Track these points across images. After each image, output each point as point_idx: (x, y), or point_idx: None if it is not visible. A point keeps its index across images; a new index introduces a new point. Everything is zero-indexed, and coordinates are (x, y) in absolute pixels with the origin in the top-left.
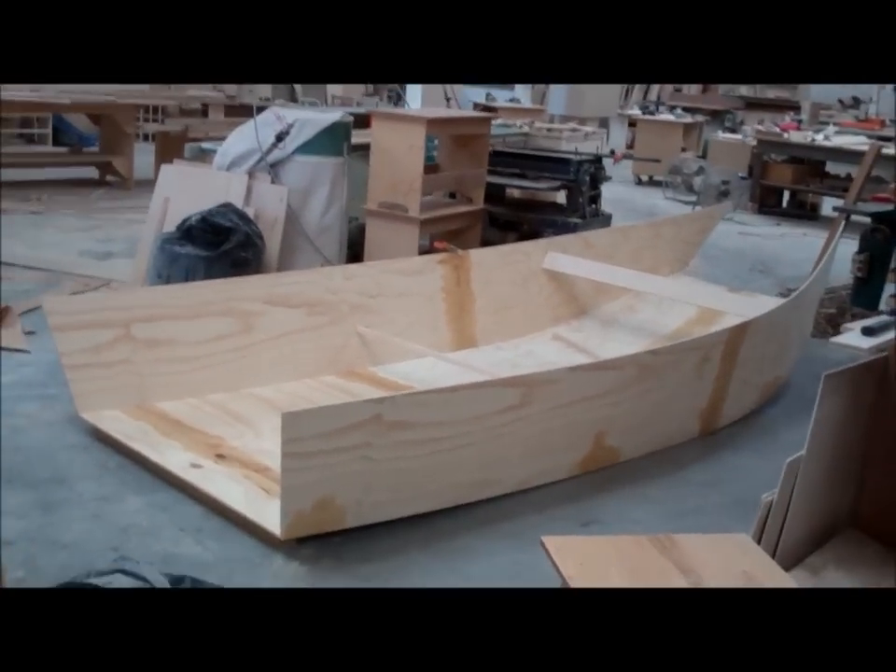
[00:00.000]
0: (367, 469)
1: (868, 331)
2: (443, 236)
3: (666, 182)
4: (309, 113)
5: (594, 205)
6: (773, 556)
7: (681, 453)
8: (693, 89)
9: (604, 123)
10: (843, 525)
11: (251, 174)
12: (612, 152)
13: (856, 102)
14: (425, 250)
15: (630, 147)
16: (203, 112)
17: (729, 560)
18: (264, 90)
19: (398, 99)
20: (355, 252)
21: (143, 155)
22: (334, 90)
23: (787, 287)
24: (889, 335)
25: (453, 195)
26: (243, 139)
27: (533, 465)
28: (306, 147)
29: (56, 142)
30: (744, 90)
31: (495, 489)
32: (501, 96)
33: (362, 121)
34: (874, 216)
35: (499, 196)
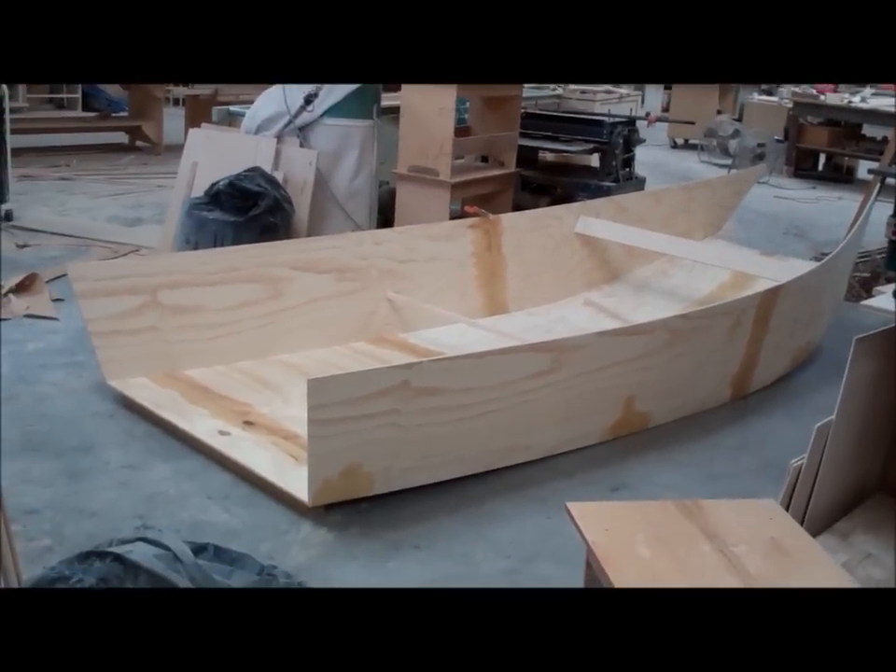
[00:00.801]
0: (395, 436)
1: None
2: (474, 200)
3: (701, 145)
4: None
5: (627, 169)
6: (802, 521)
7: (712, 418)
8: None
9: (639, 85)
10: (872, 489)
11: (280, 137)
12: (647, 115)
13: None
14: (456, 215)
15: (665, 109)
16: None
17: (756, 526)
18: None
19: None
20: (385, 217)
21: (173, 120)
22: None
23: (821, 251)
24: None
25: (484, 159)
26: (271, 102)
27: (563, 430)
28: (335, 110)
29: (85, 107)
30: None
31: (524, 455)
32: None
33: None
34: None
35: (532, 159)
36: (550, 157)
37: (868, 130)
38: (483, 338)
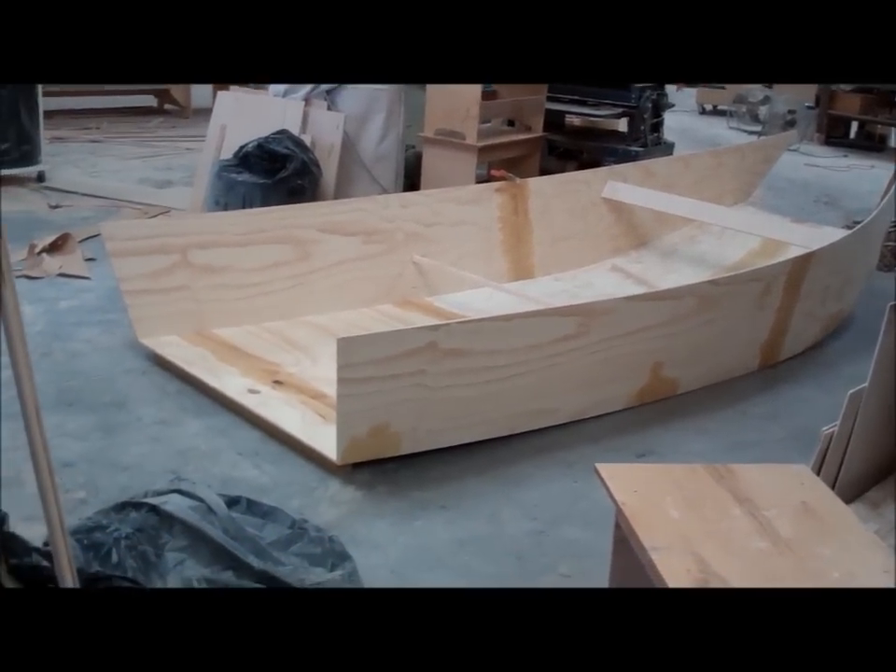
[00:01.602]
0: (422, 397)
1: None
2: (501, 164)
3: (731, 111)
4: None
5: (656, 133)
6: (832, 489)
7: (740, 385)
8: None
9: None
10: None
11: (307, 100)
12: None
13: None
14: (482, 178)
15: None
16: None
17: (787, 490)
18: None
19: None
20: (411, 180)
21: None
22: None
23: (853, 220)
24: None
25: (511, 122)
26: None
27: (589, 395)
28: None
29: None
30: None
31: (550, 419)
32: None
33: None
34: None
35: (559, 123)
36: (577, 121)
37: None
38: (508, 302)
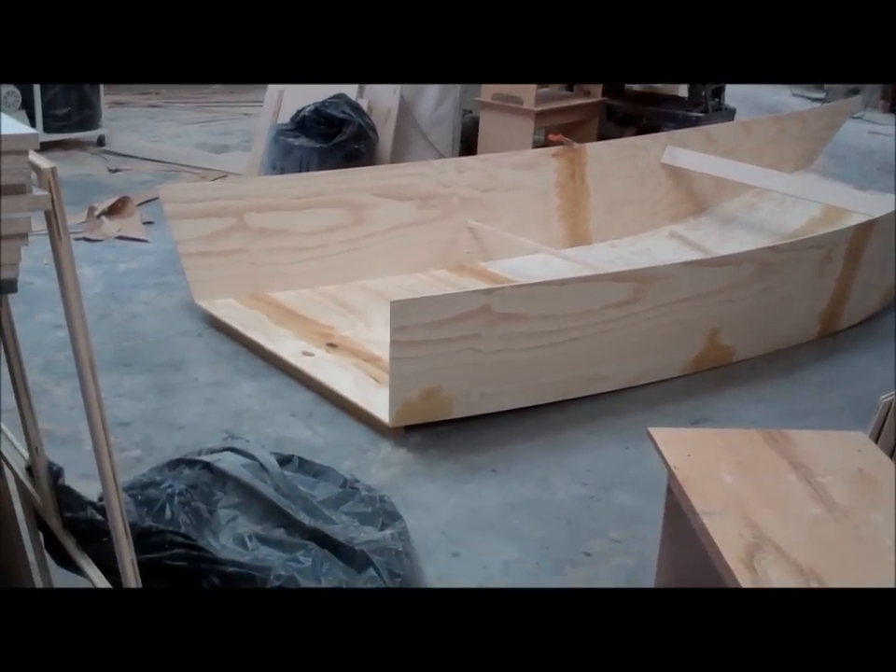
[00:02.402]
0: (474, 361)
1: None
2: (559, 129)
3: None
4: None
5: (717, 99)
6: (890, 458)
7: (798, 354)
8: None
9: None
10: None
11: None
12: None
13: None
14: (539, 144)
15: None
16: None
17: (844, 457)
18: None
19: None
20: (468, 145)
21: None
22: None
23: None
24: None
25: (569, 87)
26: None
27: (644, 362)
28: None
29: None
30: None
31: (604, 385)
32: None
33: None
34: None
35: (618, 88)
36: (636, 86)
37: None
38: (564, 268)
